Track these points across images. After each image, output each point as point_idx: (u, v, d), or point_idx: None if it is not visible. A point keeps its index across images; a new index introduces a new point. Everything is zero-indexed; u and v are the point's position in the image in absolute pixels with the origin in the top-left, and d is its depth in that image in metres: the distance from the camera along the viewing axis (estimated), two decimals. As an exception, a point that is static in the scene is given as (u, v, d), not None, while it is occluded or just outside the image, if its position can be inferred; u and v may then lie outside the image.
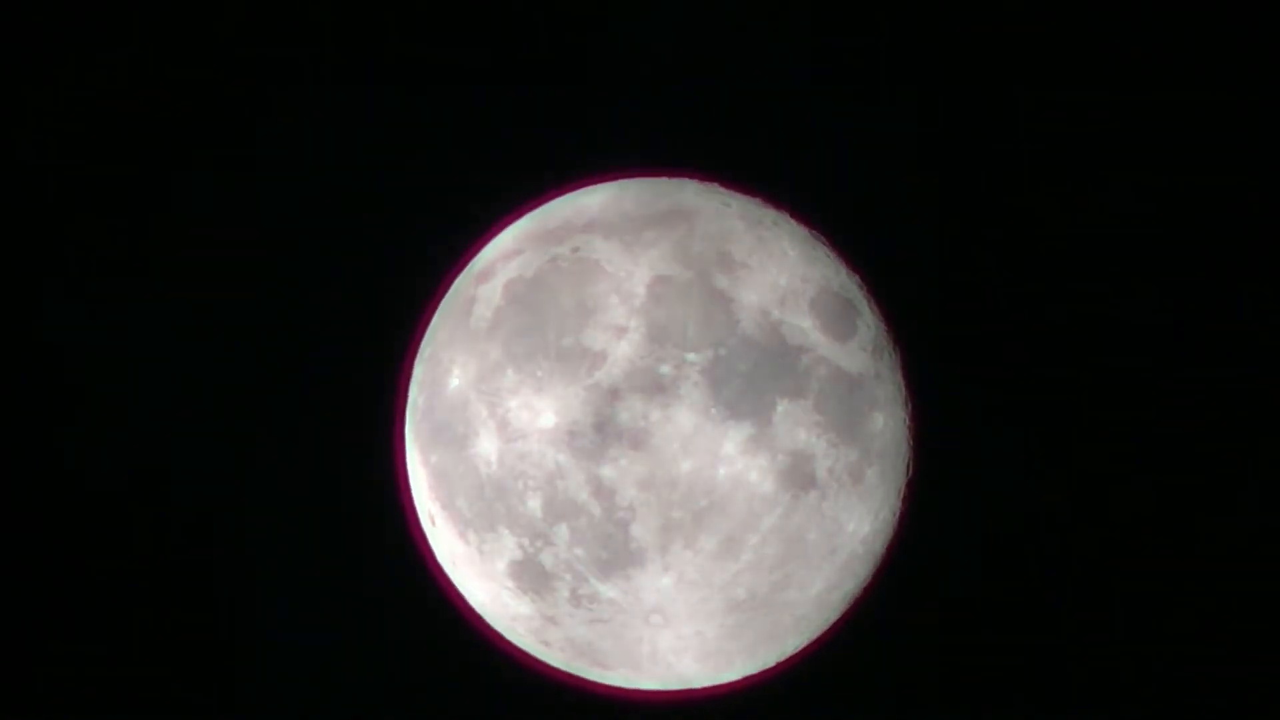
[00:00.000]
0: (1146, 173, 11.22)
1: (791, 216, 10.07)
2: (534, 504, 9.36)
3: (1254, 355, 11.20)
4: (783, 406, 9.29)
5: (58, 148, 11.32)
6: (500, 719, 11.21)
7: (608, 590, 9.43)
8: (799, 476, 9.36)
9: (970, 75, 11.23)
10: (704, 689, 10.23)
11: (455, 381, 9.69)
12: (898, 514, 10.10)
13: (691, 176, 10.16)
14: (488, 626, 10.25)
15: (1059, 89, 11.22)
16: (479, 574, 9.87)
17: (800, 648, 10.26)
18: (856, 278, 10.03)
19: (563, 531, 9.35)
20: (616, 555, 9.32)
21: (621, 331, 9.23)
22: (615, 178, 10.17)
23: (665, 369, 9.17)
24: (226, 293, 11.32)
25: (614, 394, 9.18)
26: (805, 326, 9.48)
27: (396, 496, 10.39)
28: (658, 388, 9.16)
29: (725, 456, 9.20)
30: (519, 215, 10.23)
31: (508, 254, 9.90)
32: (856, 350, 9.66)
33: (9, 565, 11.32)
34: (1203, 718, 11.21)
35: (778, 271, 9.59)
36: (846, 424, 9.52)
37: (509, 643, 10.25)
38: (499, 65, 11.25)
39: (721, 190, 10.06)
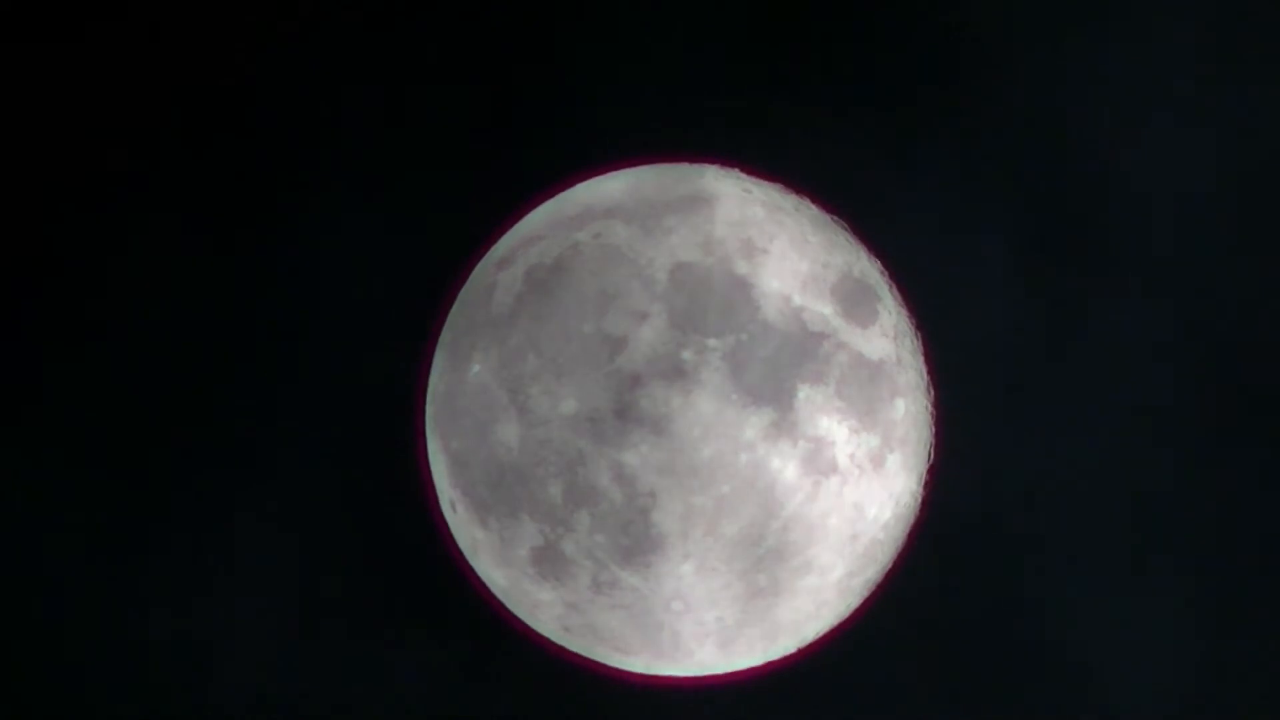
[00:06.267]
0: (1166, 162, 11.20)
1: (812, 202, 10.06)
2: (555, 490, 9.37)
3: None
4: (804, 392, 9.29)
5: (61, 143, 11.34)
6: (521, 705, 11.23)
7: (629, 577, 9.43)
8: (820, 462, 9.36)
9: (989, 61, 11.22)
10: (724, 675, 10.23)
11: (476, 368, 9.69)
12: (919, 500, 10.10)
13: (712, 163, 10.16)
14: (509, 613, 10.26)
15: (1078, 75, 11.20)
16: (500, 560, 9.88)
17: (821, 634, 10.26)
18: (877, 263, 10.02)
19: (584, 518, 9.36)
20: (637, 542, 9.32)
21: (643, 317, 9.23)
22: (636, 164, 10.17)
23: (686, 355, 9.17)
24: (238, 283, 11.34)
25: (635, 380, 9.18)
26: (826, 313, 9.47)
27: (417, 483, 10.40)
28: (679, 374, 9.16)
29: (746, 442, 9.20)
30: (540, 201, 10.24)
31: (529, 240, 9.90)
32: (878, 336, 9.66)
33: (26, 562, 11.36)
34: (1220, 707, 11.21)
35: (799, 257, 9.58)
36: (868, 410, 9.52)
37: (530, 629, 10.26)
38: (521, 51, 11.25)
39: (742, 176, 10.05)
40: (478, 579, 10.24)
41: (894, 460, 9.70)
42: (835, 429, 9.39)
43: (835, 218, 10.03)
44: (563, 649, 10.25)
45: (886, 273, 10.03)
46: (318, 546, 11.36)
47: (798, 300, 9.42)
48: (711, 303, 9.27)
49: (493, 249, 10.23)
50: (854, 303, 9.62)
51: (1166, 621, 11.23)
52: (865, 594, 10.19)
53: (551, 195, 10.23)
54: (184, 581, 11.37)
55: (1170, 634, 11.23)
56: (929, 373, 10.04)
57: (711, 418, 9.15)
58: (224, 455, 11.37)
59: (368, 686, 11.39)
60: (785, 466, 9.27)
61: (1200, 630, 11.22)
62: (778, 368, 9.25)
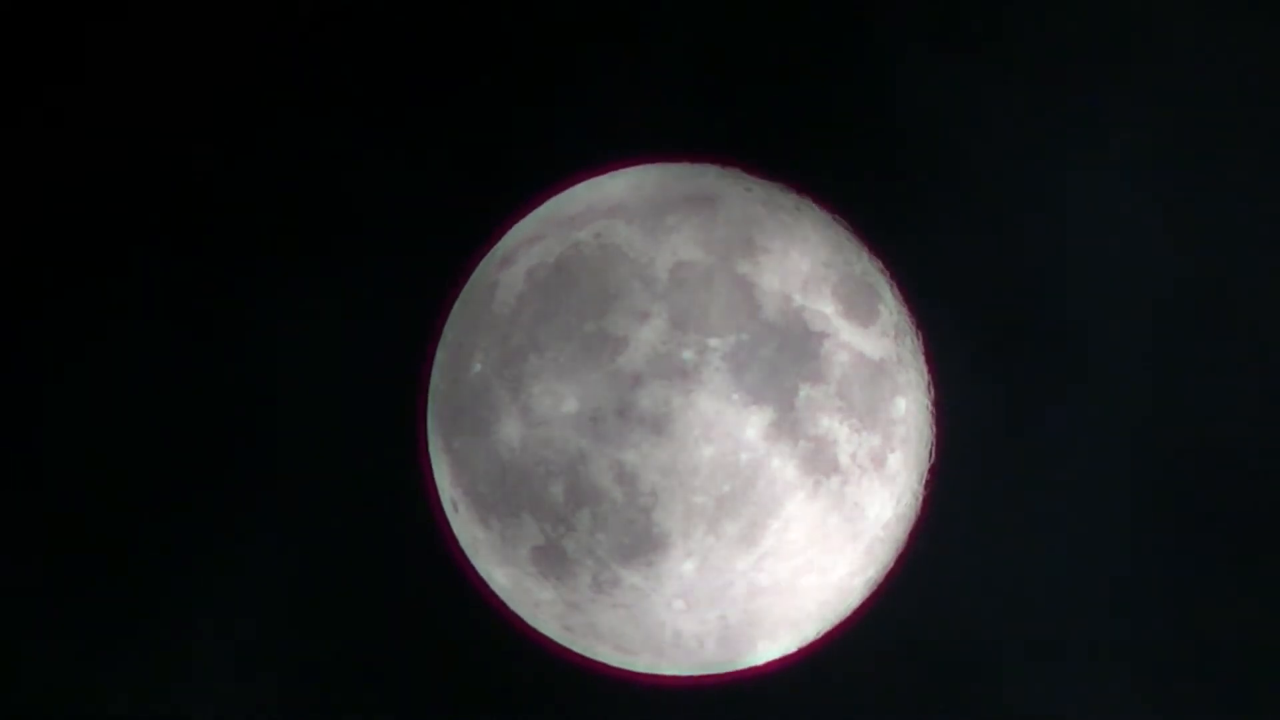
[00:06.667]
0: (1172, 158, 11.20)
1: (813, 202, 10.07)
2: (556, 490, 9.37)
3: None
4: (805, 392, 9.30)
5: (71, 146, 11.36)
6: (523, 704, 11.23)
7: (630, 576, 9.44)
8: (821, 462, 9.37)
9: (991, 60, 11.23)
10: (725, 674, 10.24)
11: (478, 367, 9.70)
12: (920, 499, 10.10)
13: (713, 162, 10.16)
14: (510, 612, 10.27)
15: (1077, 75, 11.21)
16: (501, 560, 9.89)
17: (822, 633, 10.27)
18: (878, 263, 10.03)
19: (585, 517, 9.37)
20: (639, 541, 9.33)
21: (644, 317, 9.23)
22: (638, 163, 10.18)
23: (687, 354, 9.18)
24: (239, 281, 11.34)
25: (636, 379, 9.19)
26: (827, 312, 9.48)
27: (419, 482, 10.41)
28: (680, 373, 9.17)
29: (747, 442, 9.20)
30: (541, 201, 10.25)
31: (530, 240, 9.91)
32: (878, 335, 9.67)
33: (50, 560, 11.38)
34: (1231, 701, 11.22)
35: (800, 257, 9.59)
36: (869, 409, 9.52)
37: (531, 628, 10.27)
38: (524, 50, 11.26)
39: (744, 176, 10.06)
40: (479, 578, 10.25)
41: (895, 459, 9.71)
42: (836, 428, 9.39)
43: (836, 217, 10.04)
44: (564, 648, 10.26)
45: (887, 272, 10.04)
46: (318, 546, 11.37)
47: (799, 300, 9.42)
48: (712, 302, 9.28)
49: (494, 248, 10.24)
50: (855, 302, 9.63)
51: (1167, 619, 11.24)
52: (866, 593, 10.20)
53: (553, 195, 10.24)
54: (184, 580, 11.38)
55: (1171, 631, 11.24)
56: (930, 372, 10.05)
57: (712, 417, 9.16)
58: (225, 454, 11.37)
59: (368, 685, 11.40)
60: (786, 466, 9.28)
61: (1200, 627, 11.24)
62: (778, 367, 9.26)
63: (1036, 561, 11.25)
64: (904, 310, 10.01)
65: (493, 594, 10.25)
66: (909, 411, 9.80)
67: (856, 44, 11.23)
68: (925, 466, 10.06)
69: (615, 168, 10.19)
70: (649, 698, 10.61)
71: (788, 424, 9.25)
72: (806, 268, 9.56)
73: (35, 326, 11.38)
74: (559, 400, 9.30)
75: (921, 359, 10.02)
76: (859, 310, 9.62)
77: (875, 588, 10.22)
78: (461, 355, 9.88)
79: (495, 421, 9.52)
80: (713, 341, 9.20)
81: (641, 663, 10.11)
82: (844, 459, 9.44)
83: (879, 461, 9.61)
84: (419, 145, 11.31)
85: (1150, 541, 11.24)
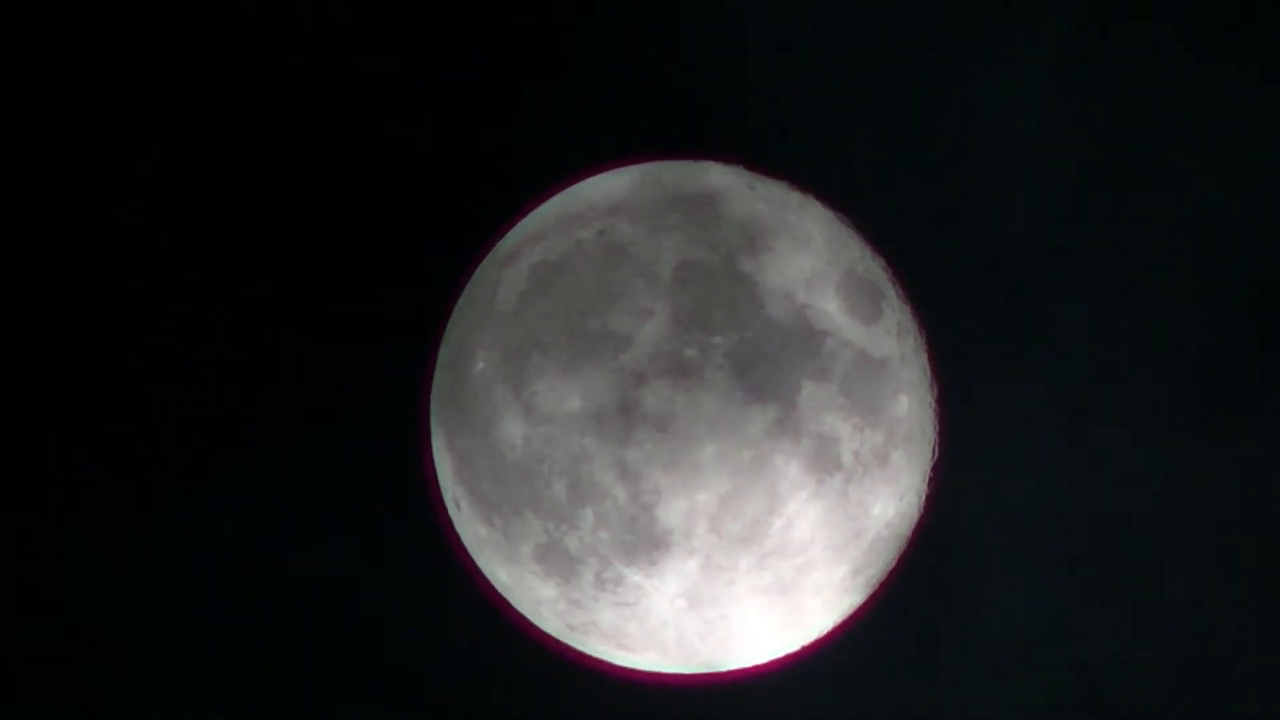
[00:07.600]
0: (1176, 158, 11.21)
1: (817, 199, 10.07)
2: (559, 488, 9.37)
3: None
4: (808, 390, 9.29)
5: (69, 147, 11.36)
6: (526, 702, 11.24)
7: (632, 574, 9.44)
8: (824, 460, 9.36)
9: (991, 59, 11.23)
10: (728, 672, 10.24)
11: (480, 365, 9.70)
12: (923, 497, 10.10)
13: (717, 160, 10.16)
14: (513, 610, 10.27)
15: (1085, 73, 11.21)
16: (504, 558, 9.88)
17: (824, 632, 10.27)
18: (882, 261, 10.03)
19: (588, 515, 9.36)
20: (641, 539, 9.33)
21: (647, 315, 9.23)
22: (640, 161, 10.18)
23: (690, 352, 9.18)
24: (241, 281, 11.35)
25: (639, 377, 9.18)
26: (830, 310, 9.48)
27: (421, 481, 10.41)
28: (683, 371, 9.16)
29: (750, 440, 9.20)
30: (544, 199, 10.24)
31: (533, 237, 9.91)
32: (882, 334, 9.67)
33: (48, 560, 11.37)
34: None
35: (803, 255, 9.59)
36: (872, 407, 9.52)
37: (534, 626, 10.27)
38: (526, 48, 11.26)
39: (747, 174, 10.06)
40: (481, 576, 10.24)
41: (898, 457, 9.71)
42: (839, 426, 9.39)
43: (839, 215, 10.04)
44: (566, 646, 10.26)
45: (890, 270, 10.04)
46: (320, 544, 11.37)
47: (802, 298, 9.42)
48: (715, 300, 9.27)
49: (497, 246, 10.24)
50: (858, 300, 9.63)
51: (1172, 617, 11.25)
52: (869, 591, 10.20)
53: (556, 192, 10.23)
54: (184, 579, 11.38)
55: (1175, 628, 11.25)
56: (932, 370, 10.05)
57: (715, 415, 9.15)
58: (227, 453, 11.37)
59: (370, 684, 11.40)
60: (789, 464, 9.27)
61: (1206, 629, 11.24)
62: (781, 365, 9.26)
63: (1038, 559, 11.25)
64: (907, 308, 10.01)
65: (495, 592, 10.25)
66: (912, 410, 9.80)
67: (859, 41, 11.23)
68: (928, 464, 10.06)
69: (618, 166, 10.19)
70: (651, 696, 10.61)
71: (791, 422, 9.25)
72: (810, 266, 9.56)
73: (37, 328, 11.39)
74: (562, 398, 9.29)
75: (924, 357, 10.02)
76: (862, 308, 9.62)
77: (878, 586, 10.22)
78: (464, 353, 9.88)
79: (498, 419, 9.52)
80: (716, 339, 9.20)
81: (644, 661, 10.10)
82: (847, 457, 9.44)
83: (882, 459, 9.60)
84: (421, 143, 11.31)
85: (1148, 537, 11.24)
